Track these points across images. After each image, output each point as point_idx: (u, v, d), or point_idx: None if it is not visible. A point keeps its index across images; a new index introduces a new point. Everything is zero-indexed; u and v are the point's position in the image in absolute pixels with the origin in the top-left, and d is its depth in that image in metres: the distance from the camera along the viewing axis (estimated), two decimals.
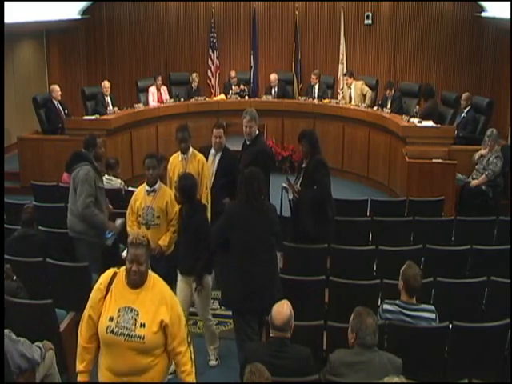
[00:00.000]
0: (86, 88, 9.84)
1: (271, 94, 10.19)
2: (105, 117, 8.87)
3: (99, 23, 11.67)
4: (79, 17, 11.14)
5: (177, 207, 4.73)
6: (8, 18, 7.31)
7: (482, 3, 9.74)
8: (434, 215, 6.06)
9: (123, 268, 3.10)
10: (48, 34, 10.88)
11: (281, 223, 4.44)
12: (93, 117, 8.89)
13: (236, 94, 10.23)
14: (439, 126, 8.11)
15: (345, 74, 9.86)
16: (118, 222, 5.26)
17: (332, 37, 11.08)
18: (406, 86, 9.72)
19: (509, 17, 7.67)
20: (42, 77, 11.03)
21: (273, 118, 9.74)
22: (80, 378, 3.15)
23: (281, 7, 11.26)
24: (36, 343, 3.84)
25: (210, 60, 11.37)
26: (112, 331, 2.98)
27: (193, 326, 5.19)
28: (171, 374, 3.84)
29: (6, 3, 6.94)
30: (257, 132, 5.67)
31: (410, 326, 3.71)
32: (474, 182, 7.24)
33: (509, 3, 7.54)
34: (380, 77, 10.26)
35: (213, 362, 4.65)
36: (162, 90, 10.01)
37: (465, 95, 8.40)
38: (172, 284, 4.20)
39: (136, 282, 3.03)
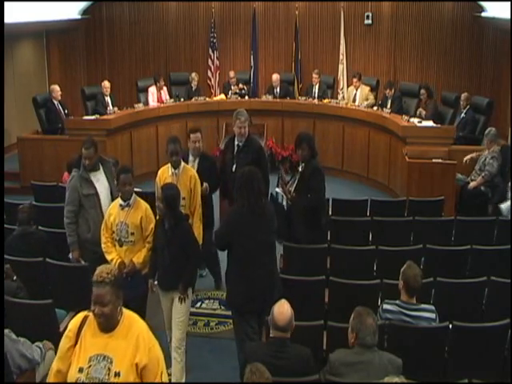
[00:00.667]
0: (86, 88, 9.85)
1: (273, 93, 10.18)
2: (105, 117, 8.86)
3: (99, 23, 11.68)
4: (79, 17, 11.15)
5: (153, 223, 4.44)
6: (8, 18, 7.31)
7: (482, 3, 9.74)
8: (434, 215, 6.05)
9: None
10: (48, 34, 10.88)
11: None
12: (93, 117, 8.89)
13: (236, 93, 10.23)
14: (439, 125, 8.11)
15: (354, 76, 9.78)
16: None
17: (332, 37, 11.09)
18: (406, 86, 9.73)
19: (509, 17, 7.67)
20: (42, 77, 11.04)
21: (273, 117, 9.75)
22: None
23: (281, 7, 11.27)
24: (36, 343, 3.84)
25: (209, 60, 11.38)
26: None
27: (193, 326, 5.19)
28: None
29: (5, 3, 6.95)
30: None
31: (410, 326, 3.71)
32: (471, 185, 7.24)
33: (509, 3, 7.54)
34: (380, 77, 10.28)
35: None
36: (162, 91, 10.01)
37: (464, 95, 8.41)
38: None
39: (103, 325, 2.68)
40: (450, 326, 3.77)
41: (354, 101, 9.71)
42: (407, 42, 10.81)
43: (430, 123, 8.08)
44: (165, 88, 10.07)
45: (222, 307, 5.48)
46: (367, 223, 5.80)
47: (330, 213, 6.10)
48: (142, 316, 4.22)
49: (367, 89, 9.71)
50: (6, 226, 5.28)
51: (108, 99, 9.35)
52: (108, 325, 2.68)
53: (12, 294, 4.09)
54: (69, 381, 2.67)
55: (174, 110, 9.73)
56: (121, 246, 4.43)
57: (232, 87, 10.30)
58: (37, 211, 5.26)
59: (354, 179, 9.37)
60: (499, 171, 7.14)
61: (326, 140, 9.60)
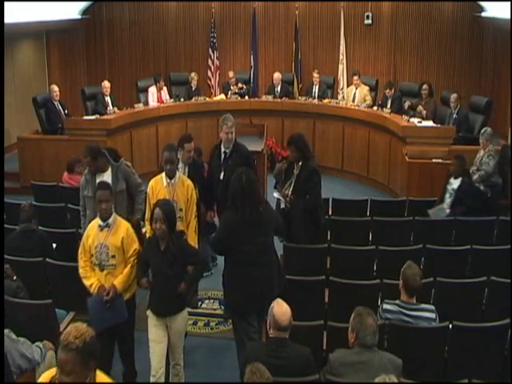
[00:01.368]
0: (86, 88, 9.84)
1: (274, 92, 10.17)
2: (105, 117, 8.87)
3: (99, 23, 11.68)
4: (79, 17, 11.15)
5: (136, 244, 4.06)
6: (8, 18, 7.32)
7: (482, 3, 9.75)
8: None
9: None
10: (48, 34, 10.88)
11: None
12: (93, 117, 8.89)
13: (236, 93, 10.23)
14: (439, 125, 8.11)
15: (355, 74, 9.77)
16: None
17: (332, 37, 11.09)
18: (406, 86, 9.73)
19: (509, 17, 7.67)
20: (42, 77, 11.03)
21: (273, 117, 9.75)
22: None
23: (281, 7, 11.26)
24: (36, 343, 3.84)
25: (209, 60, 11.38)
26: None
27: (193, 326, 5.19)
28: None
29: (5, 3, 6.95)
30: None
31: (410, 325, 3.71)
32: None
33: (509, 3, 7.55)
34: (380, 77, 10.28)
35: None
36: (162, 91, 10.00)
37: (453, 96, 8.39)
38: None
39: None
40: (450, 326, 3.77)
41: (354, 100, 9.72)
42: (407, 42, 10.81)
43: (430, 123, 8.09)
44: (165, 88, 10.06)
45: (222, 307, 5.48)
46: (367, 223, 5.80)
47: (330, 213, 6.11)
48: (131, 344, 4.16)
49: (366, 89, 9.70)
50: (6, 225, 5.28)
51: (108, 99, 9.35)
52: None
53: (12, 294, 4.09)
54: None
55: (173, 110, 9.74)
56: (101, 270, 4.02)
57: (231, 87, 10.30)
58: (37, 211, 5.25)
59: (353, 179, 9.37)
60: (496, 170, 7.13)
61: (325, 140, 9.60)
